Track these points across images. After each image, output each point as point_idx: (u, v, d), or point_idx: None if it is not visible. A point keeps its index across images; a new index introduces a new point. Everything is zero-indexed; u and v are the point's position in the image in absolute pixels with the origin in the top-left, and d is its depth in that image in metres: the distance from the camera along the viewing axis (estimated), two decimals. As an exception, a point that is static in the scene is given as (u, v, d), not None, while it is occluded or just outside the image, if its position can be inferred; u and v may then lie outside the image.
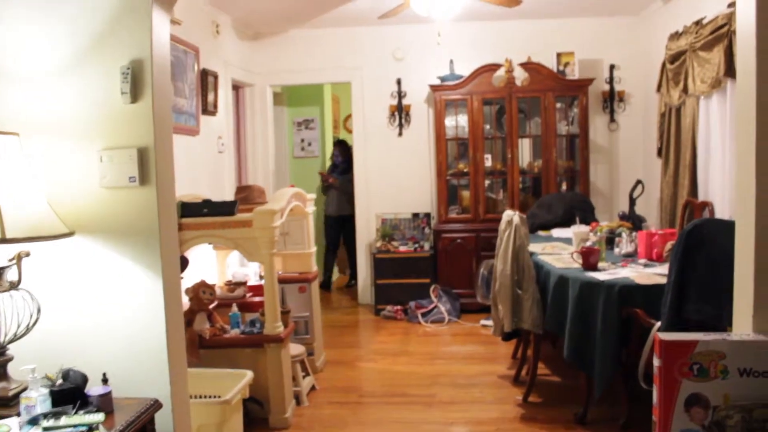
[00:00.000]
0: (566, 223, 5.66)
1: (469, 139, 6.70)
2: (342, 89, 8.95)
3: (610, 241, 4.61)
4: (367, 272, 7.27)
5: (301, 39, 7.17)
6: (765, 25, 1.78)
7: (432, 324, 6.33)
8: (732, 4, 4.39)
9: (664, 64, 5.80)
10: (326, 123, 8.64)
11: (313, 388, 4.74)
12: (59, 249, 2.36)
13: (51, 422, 2.03)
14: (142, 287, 2.41)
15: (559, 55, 6.72)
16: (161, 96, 2.47)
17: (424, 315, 6.41)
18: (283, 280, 5.06)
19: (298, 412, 4.29)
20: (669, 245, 4.09)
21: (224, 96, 6.19)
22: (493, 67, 6.59)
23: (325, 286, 7.97)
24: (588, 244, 4.47)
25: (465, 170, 6.77)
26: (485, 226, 6.55)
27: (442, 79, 6.76)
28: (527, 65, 6.58)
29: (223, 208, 4.07)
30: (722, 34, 4.54)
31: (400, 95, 7.07)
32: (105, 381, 2.27)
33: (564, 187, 6.79)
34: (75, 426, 2.03)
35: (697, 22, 5.09)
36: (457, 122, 6.81)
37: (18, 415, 2.08)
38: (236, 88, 6.99)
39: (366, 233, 7.29)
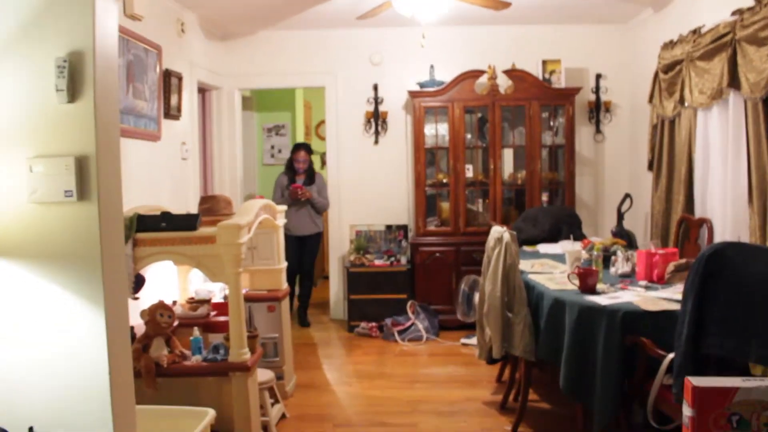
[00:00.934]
0: (553, 238, 5.36)
1: (449, 149, 6.36)
2: (314, 94, 8.59)
3: (605, 259, 4.29)
4: (339, 287, 6.89)
5: (272, 40, 6.79)
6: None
7: (409, 342, 5.98)
8: (737, 12, 4.11)
9: (656, 74, 5.53)
10: (297, 129, 8.26)
11: (283, 416, 4.36)
12: (-21, 275, 1.96)
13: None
14: (80, 320, 2.01)
15: (544, 63, 6.43)
16: (105, 95, 2.07)
17: (400, 332, 6.05)
18: (250, 299, 4.67)
19: (266, 447, 3.91)
20: (671, 266, 3.79)
21: (189, 99, 5.79)
22: (476, 74, 6.27)
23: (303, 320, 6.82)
24: (582, 262, 4.16)
25: (444, 181, 6.43)
26: (465, 239, 6.22)
27: (422, 85, 6.43)
28: (511, 72, 6.27)
29: (184, 222, 3.67)
30: (725, 43, 4.27)
31: (377, 101, 6.72)
32: (31, 437, 1.87)
33: (546, 199, 6.49)
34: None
35: (695, 31, 4.81)
36: (437, 130, 6.47)
37: None
38: (202, 90, 6.59)
39: (339, 246, 6.92)
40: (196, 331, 3.91)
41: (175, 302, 4.76)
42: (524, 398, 3.98)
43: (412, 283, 6.40)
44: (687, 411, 1.69)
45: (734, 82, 4.19)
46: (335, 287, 6.95)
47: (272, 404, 4.23)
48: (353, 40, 6.73)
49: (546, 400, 4.48)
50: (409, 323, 6.11)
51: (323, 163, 7.95)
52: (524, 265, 4.48)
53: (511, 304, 3.89)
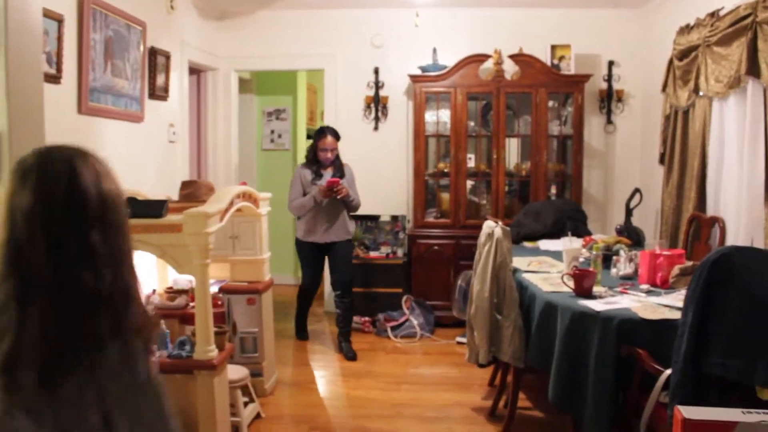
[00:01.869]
0: (556, 234, 5.03)
1: (451, 137, 6.05)
2: (319, 78, 8.28)
3: (606, 259, 3.99)
4: (335, 279, 6.62)
5: (270, 21, 6.51)
6: None
7: (402, 339, 5.71)
8: (758, -10, 3.78)
9: (671, 61, 5.19)
10: (299, 114, 7.97)
11: (258, 415, 4.11)
12: None
13: None
14: None
15: (553, 48, 6.10)
16: (23, 62, 1.81)
17: (394, 329, 5.78)
18: (229, 290, 4.44)
19: (235, 450, 3.66)
20: (676, 269, 3.48)
21: (179, 79, 5.53)
22: (481, 58, 5.93)
23: (302, 333, 5.78)
24: (581, 261, 3.86)
25: (445, 170, 6.13)
26: (465, 232, 5.90)
27: (424, 69, 6.12)
28: (518, 57, 5.94)
29: (149, 209, 3.41)
30: (744, 26, 3.94)
31: (378, 86, 6.43)
32: None
33: (554, 192, 6.18)
34: None
35: (713, 14, 4.48)
36: (439, 117, 6.17)
37: None
38: (197, 71, 6.33)
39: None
40: (163, 325, 3.66)
41: (154, 291, 4.54)
42: (513, 406, 3.71)
43: (409, 277, 6.13)
44: (676, 448, 1.41)
45: (753, 69, 3.86)
46: (328, 278, 6.67)
47: (246, 403, 3.99)
48: (354, 21, 6.44)
49: (538, 408, 4.20)
50: (403, 319, 5.84)
51: None
52: (520, 262, 4.19)
53: (500, 306, 3.61)
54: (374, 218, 6.38)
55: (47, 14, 3.62)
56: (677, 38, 5.09)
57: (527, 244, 5.04)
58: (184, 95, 5.71)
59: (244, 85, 7.37)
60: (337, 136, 5.24)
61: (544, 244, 4.92)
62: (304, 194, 5.17)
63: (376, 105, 6.45)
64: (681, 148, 4.99)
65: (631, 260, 3.86)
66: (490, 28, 6.28)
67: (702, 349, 2.34)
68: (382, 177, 6.47)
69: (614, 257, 3.97)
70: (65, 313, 1.23)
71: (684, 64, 4.89)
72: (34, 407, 1.17)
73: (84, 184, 1.26)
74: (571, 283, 3.39)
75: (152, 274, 4.55)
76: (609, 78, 6.27)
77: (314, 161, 5.28)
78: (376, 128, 6.45)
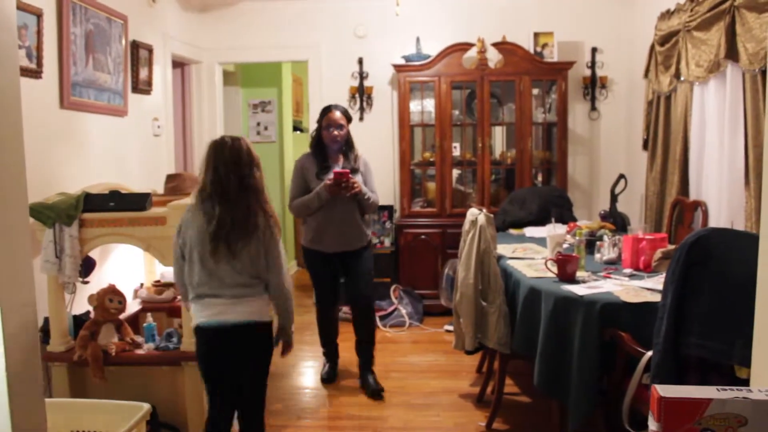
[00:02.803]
0: (541, 221, 5.06)
1: (436, 126, 6.06)
2: (304, 70, 8.27)
3: (590, 244, 4.02)
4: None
5: (253, 12, 6.49)
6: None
7: (391, 328, 5.73)
8: (736, -25, 3.80)
9: (652, 47, 5.21)
10: (284, 105, 7.96)
11: (248, 407, 4.12)
12: None
13: None
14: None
15: (536, 36, 6.12)
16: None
17: (382, 318, 5.80)
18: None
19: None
20: (659, 253, 3.51)
21: (162, 73, 5.51)
22: (464, 47, 5.95)
23: (330, 378, 4.63)
24: (565, 247, 3.89)
25: (431, 159, 6.14)
26: (452, 221, 5.92)
27: (408, 58, 6.12)
28: (501, 45, 5.95)
29: (133, 202, 3.43)
30: (723, 10, 3.96)
31: (362, 76, 6.43)
32: None
33: (540, 179, 6.21)
34: None
35: (692, -2, 4.50)
36: (423, 107, 6.17)
37: None
38: (181, 65, 6.31)
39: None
40: (150, 318, 3.68)
41: (141, 284, 4.54)
42: (500, 392, 3.73)
43: (396, 266, 6.15)
44: (652, 425, 1.43)
45: (732, 53, 3.89)
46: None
47: (235, 395, 4.00)
48: (338, 11, 6.43)
49: (526, 393, 4.24)
50: (391, 308, 5.87)
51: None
52: (506, 249, 4.22)
53: (485, 293, 3.63)
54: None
55: (26, 8, 3.61)
56: (658, 24, 5.12)
57: (513, 232, 5.06)
58: (168, 89, 5.70)
59: (229, 78, 7.35)
60: (347, 115, 4.29)
61: (530, 231, 4.95)
62: (309, 191, 4.18)
63: (361, 95, 6.44)
64: (664, 134, 5.02)
65: (614, 245, 3.89)
66: (473, 16, 6.29)
67: (681, 330, 2.37)
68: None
69: (598, 242, 4.01)
70: (239, 207, 2.77)
71: (665, 49, 4.91)
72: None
73: (241, 149, 2.84)
74: (555, 269, 3.42)
75: (139, 267, 4.55)
76: (592, 65, 6.29)
77: (319, 150, 4.28)
78: (361, 118, 6.45)
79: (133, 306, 4.15)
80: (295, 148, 8.08)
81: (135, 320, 4.01)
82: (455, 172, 6.23)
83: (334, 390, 4.42)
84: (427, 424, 3.82)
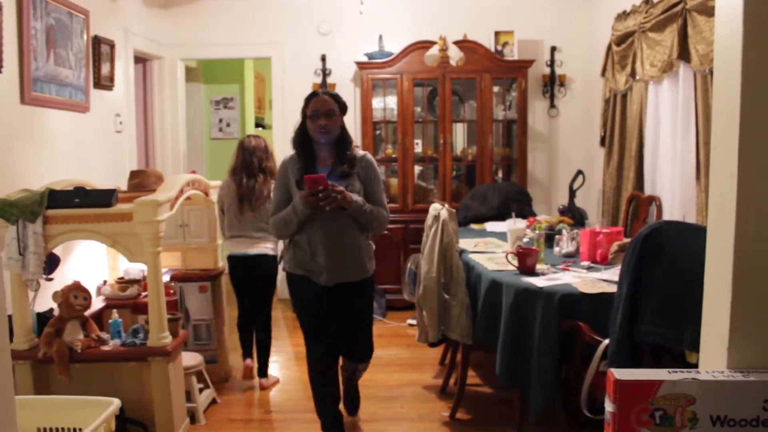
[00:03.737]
0: (501, 216, 5.18)
1: (398, 123, 6.14)
2: (266, 66, 8.28)
3: (549, 238, 4.14)
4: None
5: (217, 8, 6.48)
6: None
7: (355, 323, 5.79)
8: (687, -22, 3.94)
9: (609, 47, 5.36)
10: (246, 102, 7.96)
11: (213, 401, 4.15)
12: None
13: None
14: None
15: (497, 34, 6.23)
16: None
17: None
18: (181, 278, 4.46)
19: (192, 434, 3.71)
20: (615, 246, 3.64)
21: (124, 68, 5.49)
22: (426, 45, 6.03)
23: None
24: (525, 241, 3.99)
25: (393, 156, 6.21)
26: (414, 216, 5.99)
27: (370, 56, 6.19)
28: (463, 43, 6.05)
29: (99, 198, 3.42)
30: (675, 13, 4.10)
31: (325, 73, 6.47)
32: None
33: (500, 176, 6.33)
34: None
35: (647, 1, 4.65)
36: (386, 104, 6.24)
37: None
38: (143, 60, 6.28)
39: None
40: (115, 314, 3.68)
41: (105, 282, 4.52)
42: (462, 383, 3.82)
43: (360, 261, 6.20)
44: (609, 406, 1.52)
45: (684, 54, 4.03)
46: (279, 266, 6.70)
47: (201, 390, 4.03)
48: (301, 8, 6.46)
49: (488, 384, 4.34)
50: (355, 303, 5.92)
51: None
52: (467, 244, 4.31)
53: (447, 286, 3.72)
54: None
55: (-13, 3, 3.58)
56: (615, 24, 5.27)
57: (474, 226, 5.17)
58: (130, 84, 5.67)
59: (191, 74, 7.32)
60: (339, 101, 3.37)
61: (491, 226, 5.06)
62: (286, 202, 3.34)
63: (324, 92, 6.48)
64: (620, 131, 5.17)
65: (573, 239, 4.01)
66: (435, 15, 6.37)
67: (636, 318, 2.48)
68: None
69: (557, 236, 4.13)
70: (258, 180, 4.32)
71: (622, 49, 5.06)
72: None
73: (260, 144, 4.42)
74: (515, 262, 3.52)
75: (102, 264, 4.53)
76: (551, 63, 6.42)
77: (304, 148, 3.35)
78: (324, 115, 6.47)
79: (96, 303, 4.14)
80: (258, 144, 8.07)
81: (99, 317, 3.99)
82: (417, 169, 6.31)
83: (301, 387, 4.45)
84: (392, 415, 3.90)
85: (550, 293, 3.14)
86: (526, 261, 3.46)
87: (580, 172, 5.47)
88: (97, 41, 4.94)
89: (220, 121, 7.91)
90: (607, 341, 2.70)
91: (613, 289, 3.00)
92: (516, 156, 6.24)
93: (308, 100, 3.35)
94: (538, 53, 6.40)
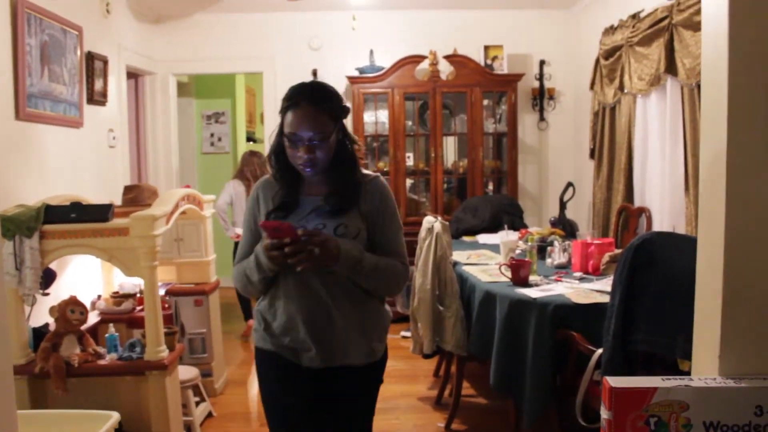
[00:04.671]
0: (493, 228, 5.23)
1: (389, 136, 6.20)
2: (257, 81, 8.30)
3: (542, 250, 4.19)
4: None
5: (208, 24, 6.53)
6: (739, 16, 1.33)
7: (349, 336, 5.80)
8: (673, -6, 4.03)
9: (597, 60, 5.44)
10: (238, 116, 8.00)
11: (210, 414, 4.17)
12: None
13: None
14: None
15: (486, 48, 6.31)
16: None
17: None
18: (176, 293, 4.47)
19: (188, 449, 3.71)
20: (606, 257, 3.69)
21: (117, 84, 5.52)
22: (417, 59, 6.10)
23: None
24: (517, 253, 4.04)
25: (385, 169, 6.26)
26: (406, 229, 5.96)
27: (361, 70, 6.25)
28: (453, 58, 6.12)
29: (95, 213, 3.44)
30: (662, 27, 4.18)
31: (316, 87, 6.50)
32: None
33: (491, 188, 6.39)
34: None
35: (634, 16, 4.74)
36: (377, 117, 6.30)
37: None
38: (135, 76, 6.31)
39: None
40: (112, 328, 3.69)
41: (99, 296, 4.53)
42: (457, 394, 3.86)
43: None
44: (604, 413, 1.56)
45: (671, 67, 4.11)
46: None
47: (197, 403, 4.04)
48: (292, 24, 6.52)
49: (483, 395, 4.37)
50: (348, 316, 5.93)
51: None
52: (460, 256, 4.35)
53: (442, 298, 3.76)
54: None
55: (-17, 21, 3.61)
56: (603, 38, 5.35)
57: (466, 239, 5.21)
58: (123, 100, 5.70)
59: (183, 89, 7.36)
60: (334, 110, 2.15)
61: (483, 238, 5.10)
62: (242, 253, 2.33)
63: (316, 106, 6.51)
64: (609, 143, 5.25)
65: (564, 250, 4.06)
66: (425, 30, 6.44)
67: (629, 327, 2.53)
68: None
69: (549, 248, 4.17)
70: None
71: (610, 63, 5.14)
72: None
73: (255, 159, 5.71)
74: (509, 273, 3.56)
75: (97, 279, 4.55)
76: (540, 77, 6.50)
77: (285, 166, 2.22)
78: (316, 129, 6.51)
79: (91, 318, 4.15)
80: (250, 158, 8.11)
81: (94, 332, 4.00)
82: (408, 182, 6.36)
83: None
84: (388, 427, 3.92)
85: (543, 304, 3.18)
86: (519, 272, 3.50)
87: (570, 184, 5.53)
88: (90, 57, 4.97)
89: (212, 135, 7.94)
90: (600, 351, 2.75)
91: (606, 299, 3.05)
92: (506, 168, 6.31)
93: (286, 107, 2.14)
94: (528, 67, 6.48)
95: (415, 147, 6.35)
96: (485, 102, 6.27)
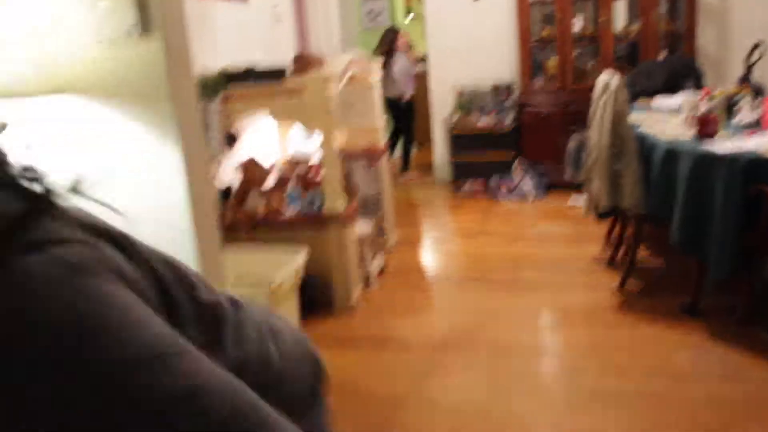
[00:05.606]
0: (669, 91, 4.90)
1: (555, 1, 5.88)
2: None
3: (728, 108, 3.89)
4: (444, 149, 6.67)
5: None
6: None
7: (514, 201, 5.79)
8: None
9: None
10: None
11: (383, 270, 4.34)
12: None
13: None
14: (160, 158, 1.96)
15: None
16: None
17: (506, 192, 5.87)
18: (348, 156, 4.60)
19: (366, 296, 3.92)
20: (805, 111, 3.38)
21: (281, -42, 5.56)
22: None
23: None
24: (702, 111, 3.79)
25: (551, 37, 5.98)
26: (573, 97, 5.81)
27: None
28: None
29: (271, 75, 3.56)
30: None
31: (478, -48, 6.25)
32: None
33: (665, 54, 5.95)
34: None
35: None
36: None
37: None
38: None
39: (442, 107, 6.65)
40: (291, 185, 3.87)
41: (274, 165, 4.76)
42: (633, 254, 3.76)
43: (518, 143, 6.14)
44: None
45: None
46: (439, 149, 6.72)
47: (373, 257, 4.21)
48: None
49: (658, 257, 4.23)
50: (515, 183, 5.90)
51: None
52: (637, 118, 4.14)
53: (619, 155, 3.61)
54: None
55: None
56: None
57: (641, 102, 4.94)
58: (287, -26, 5.75)
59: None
60: None
61: (659, 101, 4.81)
62: None
63: (478, -28, 6.28)
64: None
65: (755, 108, 3.75)
66: None
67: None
68: (486, 48, 6.35)
69: (735, 108, 3.87)
70: None
71: None
72: None
73: None
74: (694, 128, 3.36)
75: (274, 146, 4.75)
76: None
77: None
78: (477, -3, 6.31)
79: (269, 181, 4.37)
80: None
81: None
82: (576, 50, 6.06)
83: (464, 257, 4.55)
84: (560, 284, 3.93)
85: (733, 159, 2.98)
86: (706, 128, 3.29)
87: (757, 46, 5.03)
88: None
89: (371, 11, 7.90)
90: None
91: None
92: (683, 31, 5.83)
93: None
94: None
95: (583, 11, 5.99)
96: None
